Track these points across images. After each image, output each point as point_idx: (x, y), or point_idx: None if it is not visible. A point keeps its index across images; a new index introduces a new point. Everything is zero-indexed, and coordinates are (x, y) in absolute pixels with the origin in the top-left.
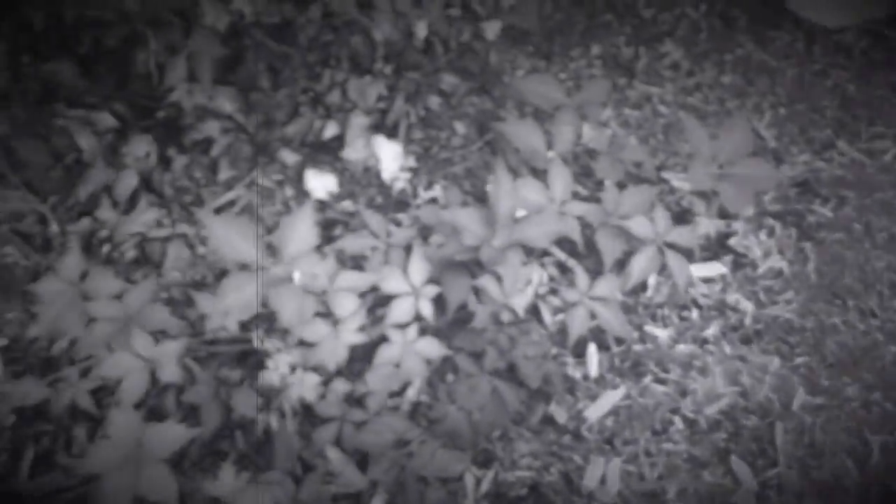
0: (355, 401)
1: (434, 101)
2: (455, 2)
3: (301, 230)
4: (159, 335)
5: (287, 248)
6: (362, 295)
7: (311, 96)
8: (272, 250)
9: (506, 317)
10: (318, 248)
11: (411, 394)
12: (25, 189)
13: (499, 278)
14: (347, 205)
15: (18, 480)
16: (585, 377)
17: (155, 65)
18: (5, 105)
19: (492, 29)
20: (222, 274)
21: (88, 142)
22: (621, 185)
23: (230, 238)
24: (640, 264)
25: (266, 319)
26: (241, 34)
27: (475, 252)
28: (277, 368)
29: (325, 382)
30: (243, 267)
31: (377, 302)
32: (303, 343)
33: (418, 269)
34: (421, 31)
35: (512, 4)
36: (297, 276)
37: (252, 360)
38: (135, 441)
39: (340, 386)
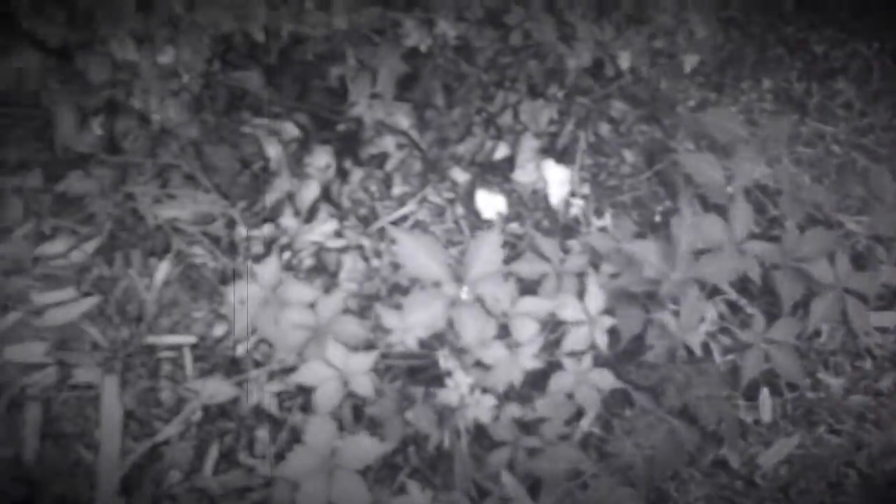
0: (528, 426)
1: (604, 128)
2: (659, 34)
3: (487, 252)
4: (351, 346)
5: (472, 269)
6: (541, 321)
7: (484, 117)
8: (456, 270)
9: (681, 353)
10: (501, 272)
11: (584, 424)
12: (216, 192)
13: (676, 313)
14: (514, 227)
15: (203, 476)
16: (757, 422)
17: (346, 80)
18: (197, 110)
19: (690, 62)
20: (394, 288)
21: (275, 150)
22: (801, 227)
23: (418, 255)
24: (821, 310)
25: (447, 338)
26: (425, 53)
27: (652, 285)
28: (457, 388)
29: (500, 405)
30: (429, 285)
31: (552, 328)
32: (480, 364)
33: (595, 298)
34: (624, 62)
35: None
36: (464, 292)
37: (431, 377)
38: (330, 450)
39: (514, 410)
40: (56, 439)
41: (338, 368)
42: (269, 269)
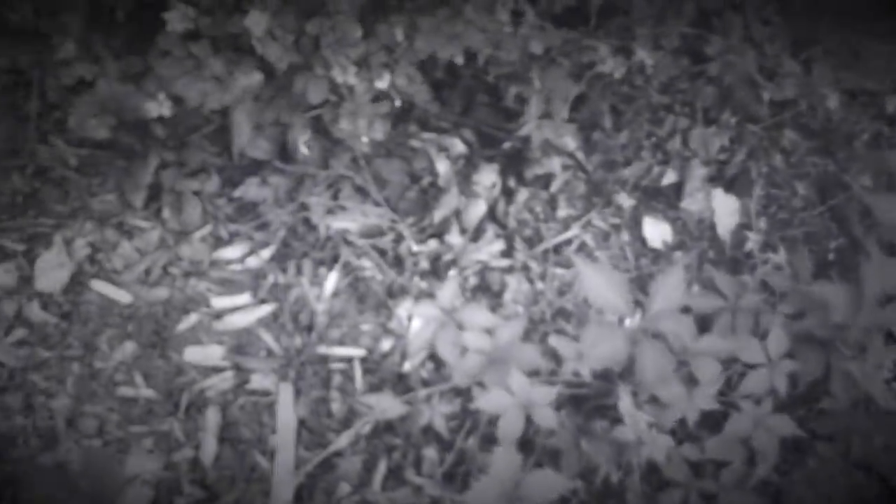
0: (700, 468)
1: (777, 158)
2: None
3: (670, 288)
4: (533, 375)
5: (654, 304)
6: (723, 361)
7: (652, 141)
8: (638, 303)
9: (864, 402)
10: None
11: (761, 471)
12: (386, 205)
13: (859, 360)
14: (678, 256)
15: (372, 491)
16: None
17: (523, 99)
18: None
19: (892, 104)
20: (559, 312)
21: (444, 166)
22: None
23: (599, 285)
24: None
25: (623, 371)
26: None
27: (838, 330)
28: (635, 424)
29: (675, 445)
30: (609, 316)
31: (728, 367)
32: (656, 401)
33: (778, 340)
34: (832, 102)
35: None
36: (627, 322)
37: (605, 410)
38: (513, 482)
39: (688, 451)
40: (233, 444)
41: (519, 397)
42: (447, 290)
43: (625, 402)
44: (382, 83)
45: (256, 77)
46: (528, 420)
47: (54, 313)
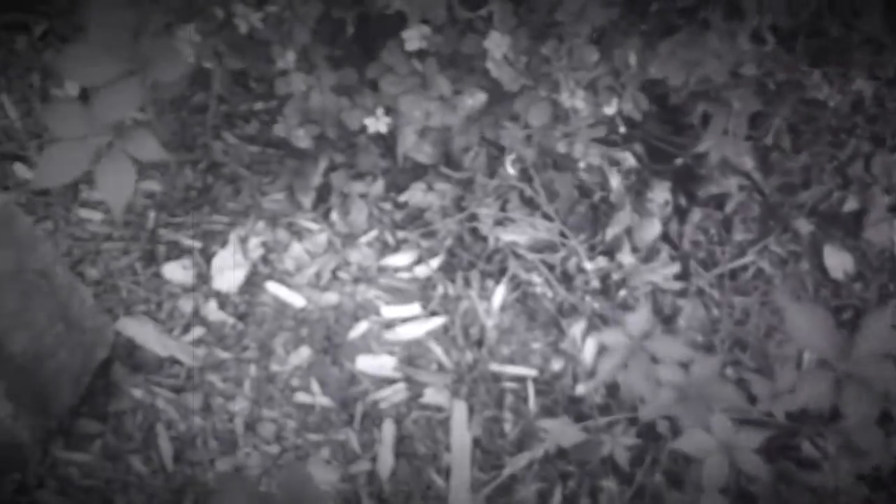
0: None
1: None
2: None
3: (880, 329)
4: (734, 417)
5: (860, 346)
6: None
7: (834, 165)
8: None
9: None
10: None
11: None
12: (558, 219)
13: None
14: (857, 288)
15: None
16: None
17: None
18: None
19: None
20: (736, 343)
21: (617, 181)
22: None
23: (803, 323)
24: None
25: (822, 416)
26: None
27: None
28: (836, 471)
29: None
30: (816, 360)
31: None
32: (851, 447)
33: None
34: None
35: None
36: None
37: (800, 455)
38: None
39: (881, 500)
40: (409, 459)
41: (722, 440)
42: (639, 317)
43: (823, 448)
44: (610, 108)
45: (481, 98)
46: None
47: (231, 313)
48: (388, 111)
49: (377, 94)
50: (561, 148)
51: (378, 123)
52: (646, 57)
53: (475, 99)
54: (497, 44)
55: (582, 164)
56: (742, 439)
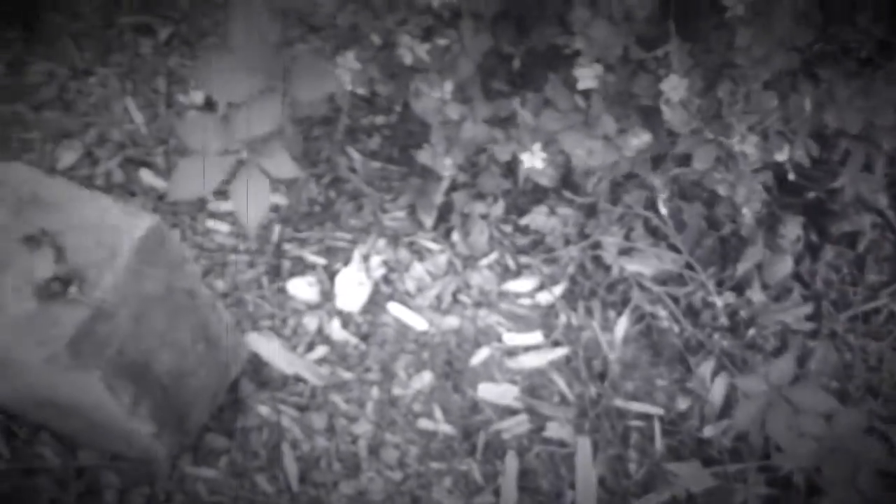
0: None
1: None
2: None
3: None
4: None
5: None
6: None
7: None
8: None
9: None
10: None
11: None
12: (686, 251)
13: None
14: None
15: None
16: None
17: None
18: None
19: None
20: (868, 391)
21: (749, 214)
22: None
23: None
24: None
25: None
26: None
27: None
28: None
29: None
30: None
31: None
32: None
33: None
34: None
35: None
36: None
37: None
38: None
39: None
40: (532, 494)
41: (870, 499)
42: (783, 364)
43: None
44: (782, 155)
45: (645, 138)
46: None
47: (353, 333)
48: (546, 146)
49: (534, 130)
50: (722, 191)
51: (534, 159)
52: (824, 103)
53: (640, 139)
54: (674, 86)
55: (745, 211)
56: (889, 499)
